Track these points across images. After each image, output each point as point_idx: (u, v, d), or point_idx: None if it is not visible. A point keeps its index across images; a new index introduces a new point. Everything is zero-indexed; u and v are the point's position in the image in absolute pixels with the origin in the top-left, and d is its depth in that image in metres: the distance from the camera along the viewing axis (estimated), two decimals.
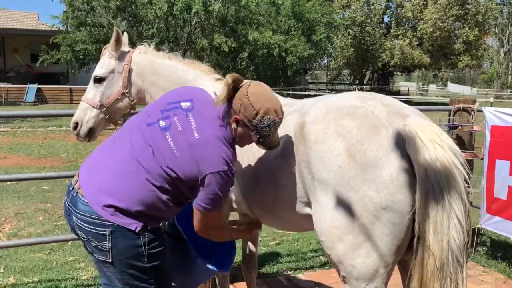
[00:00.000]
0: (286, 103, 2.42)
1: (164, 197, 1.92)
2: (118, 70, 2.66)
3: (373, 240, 1.82)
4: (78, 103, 2.73)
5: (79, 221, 1.92)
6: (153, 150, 1.91)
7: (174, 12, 19.76)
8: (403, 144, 1.80)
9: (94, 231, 1.89)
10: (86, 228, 1.91)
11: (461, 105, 4.35)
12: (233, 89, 1.96)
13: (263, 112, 1.89)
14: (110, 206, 1.87)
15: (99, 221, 1.87)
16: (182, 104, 2.00)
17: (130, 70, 2.65)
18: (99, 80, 2.66)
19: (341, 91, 37.18)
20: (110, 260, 1.92)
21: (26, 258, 4.21)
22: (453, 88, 56.62)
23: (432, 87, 58.19)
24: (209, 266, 2.17)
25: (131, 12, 18.89)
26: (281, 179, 2.16)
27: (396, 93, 40.14)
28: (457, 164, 1.77)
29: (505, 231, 4.01)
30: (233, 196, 2.46)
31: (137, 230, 1.88)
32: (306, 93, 27.17)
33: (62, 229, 5.10)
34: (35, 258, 4.23)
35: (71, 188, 2.01)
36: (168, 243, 2.10)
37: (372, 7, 33.41)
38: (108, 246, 1.89)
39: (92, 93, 2.67)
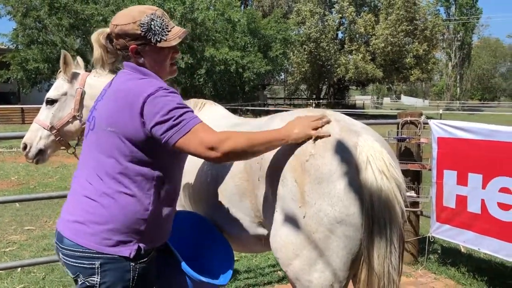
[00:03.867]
0: (241, 122, 2.46)
1: (139, 194, 1.75)
2: (70, 93, 2.64)
3: (329, 254, 1.84)
4: (31, 123, 2.70)
5: (65, 257, 1.76)
6: (89, 148, 1.82)
7: None
8: (356, 160, 1.83)
9: (81, 265, 1.72)
10: (73, 264, 1.74)
11: (408, 118, 4.53)
12: (107, 40, 1.89)
13: (137, 18, 1.80)
14: (93, 234, 1.70)
15: (85, 254, 1.71)
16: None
17: (83, 93, 2.62)
18: (51, 102, 2.64)
19: (299, 105, 37.86)
20: None
21: None
22: (406, 100, 58.78)
23: (387, 100, 60.16)
24: (203, 279, 1.99)
25: (84, 30, 18.56)
26: (234, 196, 2.17)
27: (352, 106, 41.21)
28: (399, 197, 1.84)
29: (454, 238, 4.13)
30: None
31: (131, 256, 1.72)
32: (266, 108, 27.39)
33: (10, 255, 4.88)
34: None
35: (57, 224, 1.84)
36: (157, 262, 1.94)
37: (326, 23, 34.27)
38: (97, 280, 1.72)
39: (44, 114, 2.65)
